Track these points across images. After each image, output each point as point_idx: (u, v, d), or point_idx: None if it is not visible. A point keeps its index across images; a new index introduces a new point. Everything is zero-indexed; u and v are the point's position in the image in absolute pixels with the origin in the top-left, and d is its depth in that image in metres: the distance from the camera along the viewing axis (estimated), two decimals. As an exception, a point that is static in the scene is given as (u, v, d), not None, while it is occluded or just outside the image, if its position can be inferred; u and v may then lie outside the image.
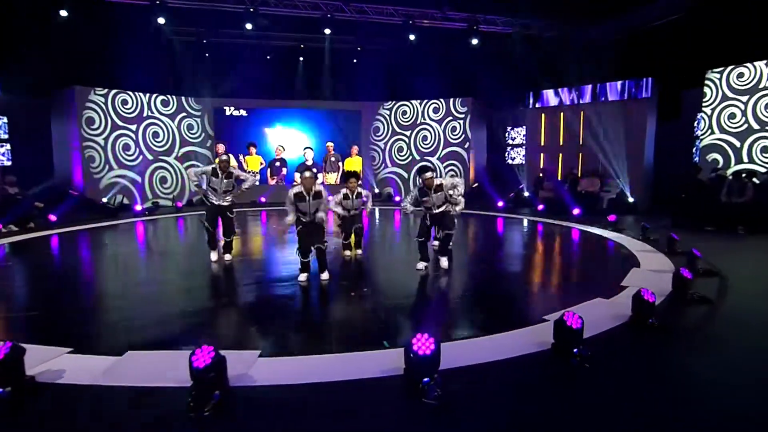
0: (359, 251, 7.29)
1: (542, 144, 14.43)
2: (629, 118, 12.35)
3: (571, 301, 4.85)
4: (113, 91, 13.10)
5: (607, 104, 12.95)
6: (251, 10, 12.85)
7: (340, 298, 5.13)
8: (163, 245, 8.99)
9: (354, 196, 6.98)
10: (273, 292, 5.33)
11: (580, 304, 4.71)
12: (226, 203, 6.51)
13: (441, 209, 6.10)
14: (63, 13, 11.74)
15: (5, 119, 13.00)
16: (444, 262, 6.28)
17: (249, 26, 13.24)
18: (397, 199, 15.47)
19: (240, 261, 6.87)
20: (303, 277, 5.66)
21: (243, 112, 15.26)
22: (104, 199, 12.48)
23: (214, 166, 6.39)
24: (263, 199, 14.95)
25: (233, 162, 6.38)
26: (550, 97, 14.24)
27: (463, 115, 15.67)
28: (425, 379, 2.93)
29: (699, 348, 3.75)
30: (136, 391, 3.02)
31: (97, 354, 3.55)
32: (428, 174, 6.00)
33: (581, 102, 13.49)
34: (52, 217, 10.00)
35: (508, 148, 17.46)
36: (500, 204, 12.76)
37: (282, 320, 4.35)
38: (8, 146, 13.08)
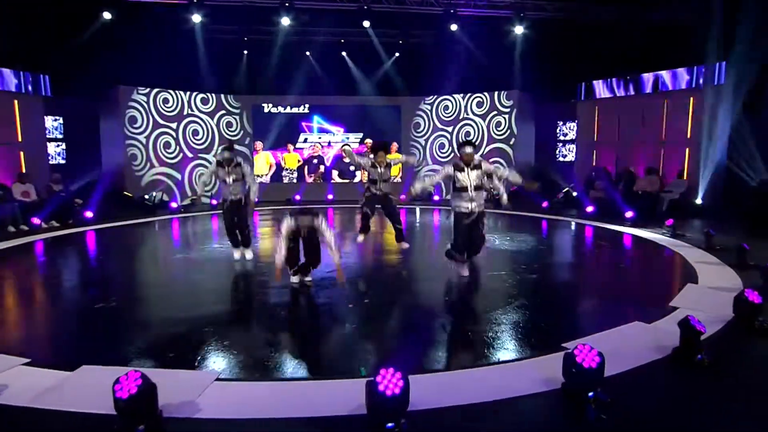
0: (405, 244, 6.95)
1: (595, 140, 13.23)
2: (698, 109, 10.96)
3: (604, 324, 4.09)
4: (155, 90, 13.37)
5: (670, 94, 11.60)
6: (286, 4, 12.64)
7: (336, 309, 4.63)
8: (184, 243, 8.91)
9: (383, 168, 6.57)
10: (267, 299, 4.93)
11: (612, 329, 3.95)
12: (237, 197, 6.33)
13: (476, 201, 5.33)
14: (106, 15, 12.04)
15: (61, 120, 13.61)
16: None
17: (286, 21, 13.05)
18: (436, 198, 14.78)
19: (253, 262, 6.55)
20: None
21: (306, 109, 15.21)
22: (145, 196, 12.74)
23: (218, 159, 6.29)
24: (298, 197, 14.79)
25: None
26: (605, 88, 13.01)
27: (508, 110, 14.71)
28: (389, 425, 2.40)
29: (764, 398, 2.91)
30: (70, 418, 2.68)
31: (57, 367, 3.27)
32: (468, 149, 5.31)
33: (641, 92, 12.19)
34: (88, 214, 10.25)
35: (559, 145, 16.28)
36: (545, 205, 11.77)
37: (261, 334, 3.93)
38: (63, 145, 13.70)
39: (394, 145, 16.10)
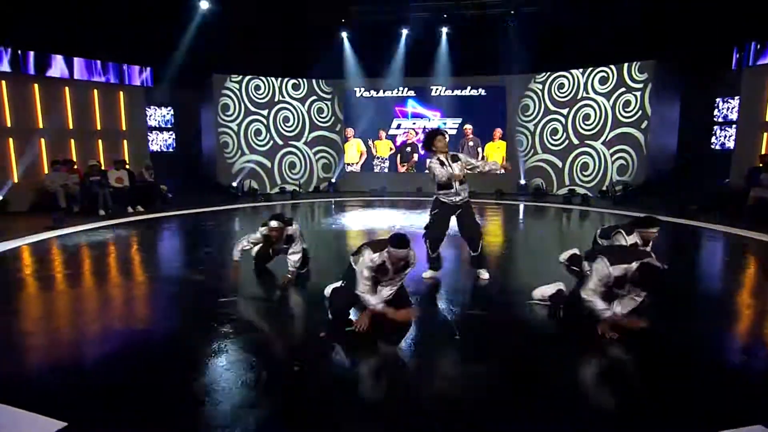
0: (484, 273, 4.88)
1: (766, 119, 9.81)
2: None
3: (697, 423, 2.29)
4: (247, 77, 13.42)
5: None
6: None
7: (289, 343, 3.40)
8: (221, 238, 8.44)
9: (450, 161, 4.66)
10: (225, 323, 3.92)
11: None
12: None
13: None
14: (204, 4, 12.27)
15: (171, 110, 14.50)
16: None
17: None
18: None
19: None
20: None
21: (403, 92, 14.23)
22: (233, 184, 12.93)
23: (265, 233, 4.86)
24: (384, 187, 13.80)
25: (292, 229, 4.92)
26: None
27: (641, 85, 11.78)
28: None
29: None
30: None
31: None
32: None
33: None
34: (169, 201, 10.52)
35: (716, 128, 12.69)
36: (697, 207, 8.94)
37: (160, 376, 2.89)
38: (173, 135, 14.61)
39: (498, 132, 14.16)
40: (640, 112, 11.79)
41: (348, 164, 14.63)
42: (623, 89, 12.06)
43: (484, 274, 4.88)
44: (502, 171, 5.03)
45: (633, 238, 4.62)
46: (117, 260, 6.15)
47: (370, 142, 14.53)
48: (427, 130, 5.01)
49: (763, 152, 9.77)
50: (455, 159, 4.71)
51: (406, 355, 3.22)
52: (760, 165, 9.27)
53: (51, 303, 4.37)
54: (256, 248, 5.16)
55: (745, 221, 7.65)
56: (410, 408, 2.52)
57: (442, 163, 4.66)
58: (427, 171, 4.82)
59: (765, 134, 9.84)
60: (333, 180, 14.44)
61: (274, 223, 4.74)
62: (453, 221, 4.87)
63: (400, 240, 3.37)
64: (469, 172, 4.74)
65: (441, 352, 3.24)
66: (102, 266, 5.84)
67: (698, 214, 8.77)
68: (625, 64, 11.98)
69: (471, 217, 4.85)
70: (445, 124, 14.24)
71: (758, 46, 9.87)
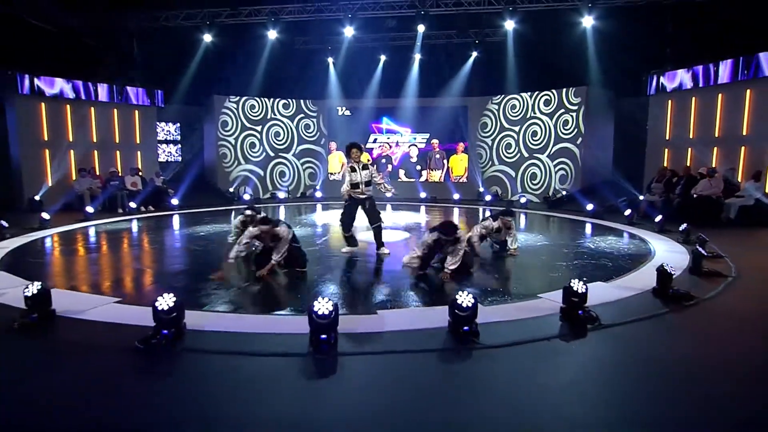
0: (385, 249, 6.74)
1: (666, 139, 11.82)
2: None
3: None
4: (244, 98, 15.59)
5: (754, 83, 9.93)
6: (349, 15, 13.76)
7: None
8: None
9: (360, 168, 6.47)
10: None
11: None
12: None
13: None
14: (207, 37, 14.47)
15: (179, 124, 16.76)
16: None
17: (350, 31, 14.16)
18: (487, 198, 14.48)
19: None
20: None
21: (376, 112, 16.32)
22: (230, 189, 15.04)
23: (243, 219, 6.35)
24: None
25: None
26: (681, 78, 11.53)
27: (576, 107, 13.82)
28: (323, 336, 3.38)
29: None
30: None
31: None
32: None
33: (718, 82, 10.59)
34: (174, 202, 12.60)
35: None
36: (589, 207, 10.94)
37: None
38: (179, 146, 16.86)
39: (460, 146, 16.20)
40: (576, 129, 13.80)
41: (331, 173, 16.72)
42: (563, 110, 14.10)
43: (385, 251, 6.74)
44: (390, 194, 6.99)
45: (497, 223, 6.67)
46: (134, 240, 8.28)
47: (350, 154, 16.60)
48: (348, 143, 6.73)
49: (665, 164, 11.77)
50: (365, 168, 6.57)
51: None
52: (655, 177, 11.26)
53: (95, 258, 6.49)
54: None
55: (627, 219, 9.58)
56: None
57: (353, 170, 6.58)
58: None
59: (666, 150, 11.84)
60: (317, 187, 16.45)
61: (248, 211, 6.52)
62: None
63: (264, 219, 5.32)
64: (370, 179, 6.58)
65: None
66: (122, 243, 7.96)
67: (603, 214, 10.75)
68: (564, 89, 14.03)
69: (372, 207, 6.63)
70: (415, 138, 16.35)
71: (657, 78, 11.91)
